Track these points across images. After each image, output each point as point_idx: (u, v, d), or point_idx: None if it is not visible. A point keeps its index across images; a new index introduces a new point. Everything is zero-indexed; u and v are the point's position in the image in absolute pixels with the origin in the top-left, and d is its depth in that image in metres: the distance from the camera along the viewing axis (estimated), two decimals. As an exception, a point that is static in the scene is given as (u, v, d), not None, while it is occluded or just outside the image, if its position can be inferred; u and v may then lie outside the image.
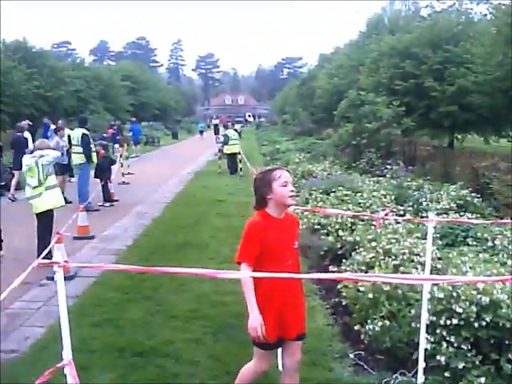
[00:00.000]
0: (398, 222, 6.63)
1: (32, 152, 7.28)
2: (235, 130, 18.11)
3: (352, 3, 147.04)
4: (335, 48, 45.66)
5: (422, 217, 7.78)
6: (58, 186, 6.89)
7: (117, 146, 21.07)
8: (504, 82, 15.95)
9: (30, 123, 14.40)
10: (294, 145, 23.55)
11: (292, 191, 3.03)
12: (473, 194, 8.68)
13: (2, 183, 12.74)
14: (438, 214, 7.62)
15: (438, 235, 6.51)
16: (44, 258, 6.05)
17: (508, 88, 15.96)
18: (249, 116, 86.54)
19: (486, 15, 30.57)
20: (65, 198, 11.19)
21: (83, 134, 11.08)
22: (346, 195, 8.77)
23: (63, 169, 11.31)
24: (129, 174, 15.71)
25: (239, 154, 16.88)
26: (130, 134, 25.25)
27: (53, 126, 14.35)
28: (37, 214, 6.76)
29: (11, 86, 26.88)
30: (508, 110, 17.29)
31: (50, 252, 6.18)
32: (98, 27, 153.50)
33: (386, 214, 5.44)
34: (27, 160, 6.82)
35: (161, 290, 5.74)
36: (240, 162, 16.72)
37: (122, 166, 15.24)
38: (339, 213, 6.90)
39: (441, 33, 21.25)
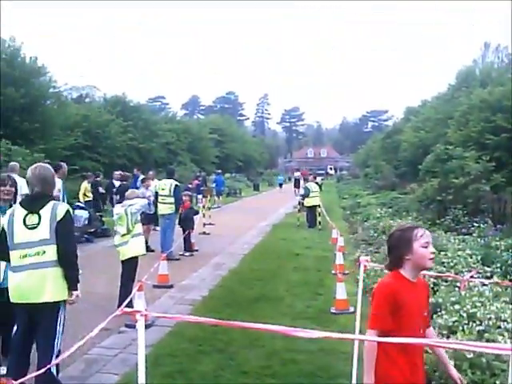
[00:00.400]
0: (485, 285, 6.22)
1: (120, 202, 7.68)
2: (316, 183, 18.12)
3: (440, 56, 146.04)
4: (422, 101, 45.09)
5: (510, 280, 7.28)
6: (142, 233, 7.18)
7: (200, 196, 21.74)
8: None
9: (120, 172, 15.26)
10: (376, 199, 23.10)
11: (433, 253, 2.81)
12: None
13: (92, 230, 13.49)
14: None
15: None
16: (126, 305, 6.29)
17: None
18: (330, 169, 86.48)
19: None
20: (148, 247, 11.67)
21: (176, 185, 11.46)
22: (429, 254, 8.42)
23: (149, 218, 11.78)
24: (210, 224, 16.07)
25: (319, 207, 16.81)
26: (214, 185, 26.01)
27: (142, 177, 15.10)
28: (122, 261, 7.05)
29: (108, 138, 28.87)
30: None
31: (130, 300, 6.40)
32: (191, 83, 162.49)
33: (472, 276, 5.15)
34: (117, 209, 7.21)
35: (233, 343, 5.71)
36: (319, 215, 16.63)
37: (203, 216, 15.64)
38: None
39: (536, 84, 20.40)
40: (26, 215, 3.85)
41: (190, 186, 21.59)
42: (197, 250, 12.08)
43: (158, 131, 36.71)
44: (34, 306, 3.80)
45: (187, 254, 11.58)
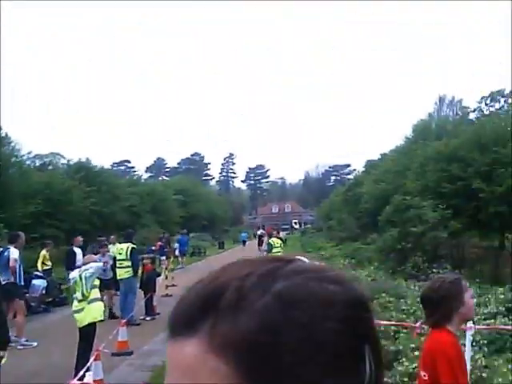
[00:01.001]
0: None
1: (79, 267, 7.53)
2: (279, 238, 18.16)
3: (398, 110, 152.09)
4: (381, 154, 46.60)
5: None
6: (100, 299, 7.00)
7: (164, 258, 21.45)
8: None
9: (81, 239, 14.98)
10: (339, 250, 23.35)
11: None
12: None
13: (50, 299, 13.07)
14: (484, 319, 7.23)
15: (485, 342, 6.12)
16: (82, 375, 6.06)
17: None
18: (295, 223, 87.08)
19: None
20: (113, 313, 11.35)
21: (132, 248, 11.35)
22: (390, 302, 8.50)
23: (108, 284, 11.54)
24: (172, 285, 15.81)
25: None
26: (177, 245, 25.76)
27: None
28: (79, 329, 6.83)
29: (70, 204, 28.47)
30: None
31: (88, 369, 6.17)
32: (156, 146, 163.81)
33: (422, 323, 5.20)
34: (73, 274, 7.08)
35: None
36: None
37: (166, 278, 15.40)
38: (379, 323, 6.64)
39: (489, 135, 21.45)
40: None
41: (153, 248, 21.32)
42: (159, 314, 11.78)
43: (121, 195, 36.52)
44: None
45: (149, 318, 11.31)
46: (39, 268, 13.73)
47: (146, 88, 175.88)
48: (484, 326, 5.84)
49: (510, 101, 54.01)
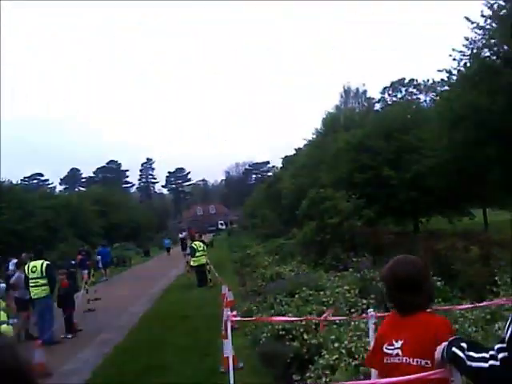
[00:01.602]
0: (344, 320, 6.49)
1: None
2: (202, 241, 18.06)
3: (310, 103, 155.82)
4: (296, 149, 47.53)
5: (386, 309, 7.66)
6: (6, 322, 6.57)
7: (85, 271, 20.70)
8: (454, 163, 16.67)
9: None
10: (263, 248, 23.54)
11: None
12: (434, 278, 8.64)
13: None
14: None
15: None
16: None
17: (459, 169, 16.65)
18: (221, 224, 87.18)
19: (433, 102, 32.70)
20: (31, 335, 10.74)
21: (47, 264, 10.74)
22: (310, 295, 8.66)
23: (26, 304, 10.94)
24: (95, 299, 15.24)
25: (207, 264, 16.74)
26: (99, 257, 24.91)
27: (14, 260, 14.12)
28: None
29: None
30: (464, 189, 17.90)
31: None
32: (69, 156, 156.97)
33: (325, 317, 5.36)
34: None
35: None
36: (209, 272, 16.53)
37: (87, 292, 14.84)
38: (281, 319, 6.74)
39: (392, 124, 22.52)
40: None
41: (73, 262, 20.51)
42: (81, 330, 11.32)
43: (34, 209, 34.84)
44: None
45: (70, 335, 10.82)
46: None
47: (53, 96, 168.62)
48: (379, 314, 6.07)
49: (410, 89, 57.35)
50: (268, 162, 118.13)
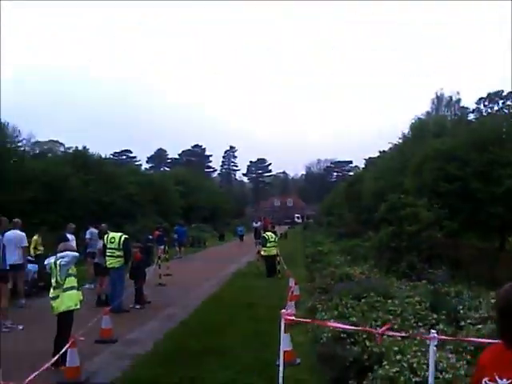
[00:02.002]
0: (405, 337, 6.18)
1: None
2: (274, 232, 18.09)
3: (398, 108, 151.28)
4: (380, 152, 46.38)
5: (458, 327, 7.27)
6: (76, 288, 6.87)
7: (161, 247, 21.40)
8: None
9: (74, 226, 14.88)
10: (337, 246, 23.25)
11: None
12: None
13: (42, 283, 13.01)
14: (474, 324, 7.10)
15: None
16: (56, 361, 5.99)
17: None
18: (297, 217, 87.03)
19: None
20: (102, 301, 11.27)
21: (125, 238, 11.23)
22: (378, 301, 8.39)
23: (104, 270, 11.45)
24: (167, 275, 15.76)
25: (277, 255, 16.75)
26: (175, 235, 25.73)
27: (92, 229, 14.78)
28: (57, 316, 6.76)
29: (68, 191, 28.44)
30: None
31: (64, 356, 6.12)
32: (157, 136, 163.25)
33: (383, 331, 5.13)
34: (49, 260, 6.97)
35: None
36: (278, 263, 16.55)
37: (159, 267, 15.35)
38: (337, 326, 6.54)
39: (487, 135, 21.29)
40: None
41: (150, 237, 21.28)
42: (149, 302, 11.75)
43: (120, 184, 36.47)
44: None
45: (138, 306, 11.26)
46: (31, 253, 13.68)
47: (148, 79, 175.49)
48: (441, 336, 5.69)
49: (508, 102, 53.95)
50: (351, 162, 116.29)
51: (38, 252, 14.18)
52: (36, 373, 4.78)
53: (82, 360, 6.28)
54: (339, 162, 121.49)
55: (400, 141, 36.11)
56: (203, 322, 9.64)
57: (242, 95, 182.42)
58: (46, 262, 7.05)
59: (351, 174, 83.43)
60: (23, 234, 11.23)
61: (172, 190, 47.80)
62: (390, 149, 38.47)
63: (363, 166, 56.19)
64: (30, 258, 13.45)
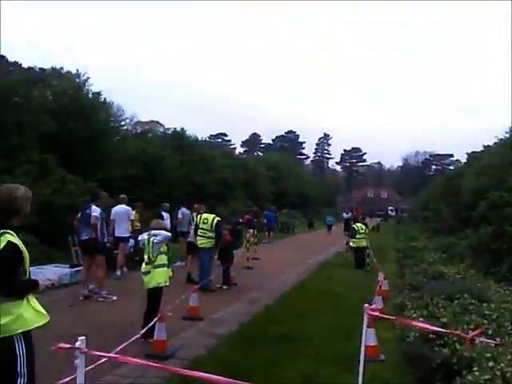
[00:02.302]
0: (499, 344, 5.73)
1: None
2: (364, 224, 17.67)
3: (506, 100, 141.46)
4: (485, 146, 43.63)
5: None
6: (166, 265, 7.10)
7: (251, 230, 21.70)
8: None
9: (168, 204, 15.45)
10: (431, 243, 22.31)
11: None
12: None
13: (137, 257, 13.66)
14: None
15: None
16: (145, 334, 6.26)
17: None
18: (391, 210, 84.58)
19: None
20: (191, 279, 11.63)
21: (218, 220, 11.40)
22: (472, 304, 7.91)
23: (195, 249, 11.79)
24: (255, 258, 15.96)
25: (367, 248, 16.36)
26: (265, 220, 26.00)
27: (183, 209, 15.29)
28: (147, 290, 7.06)
29: (164, 171, 29.66)
30: None
31: (152, 330, 6.38)
32: (252, 121, 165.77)
33: (472, 336, 4.77)
34: (142, 236, 7.27)
35: None
36: (368, 256, 16.17)
37: (248, 250, 15.57)
38: (423, 326, 6.18)
39: None
40: None
41: (240, 220, 21.62)
42: (236, 284, 11.97)
43: (213, 166, 37.40)
44: None
45: (225, 287, 11.51)
46: (129, 228, 14.38)
47: (251, 65, 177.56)
48: None
49: None
50: (451, 155, 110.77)
51: (135, 228, 14.91)
52: (124, 344, 5.00)
53: (169, 335, 6.50)
54: (438, 154, 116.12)
55: (507, 135, 33.72)
56: (287, 308, 9.65)
57: (338, 82, 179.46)
58: (139, 238, 7.37)
59: (451, 168, 79.50)
60: (129, 208, 12.09)
61: (263, 174, 48.30)
62: (496, 143, 36.10)
63: (465, 160, 53.30)
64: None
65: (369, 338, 6.65)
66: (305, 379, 5.73)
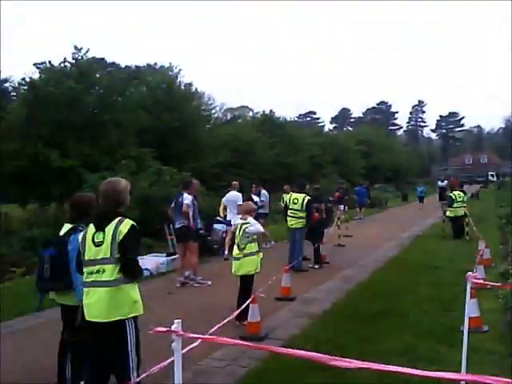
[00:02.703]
0: None
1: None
2: (462, 191, 16.76)
3: None
4: None
5: None
6: (255, 253, 7.13)
7: (341, 207, 21.42)
8: None
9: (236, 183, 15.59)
10: (538, 208, 20.66)
11: None
12: None
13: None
14: None
15: None
16: (239, 317, 6.42)
17: None
18: (491, 175, 79.34)
19: None
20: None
21: (308, 199, 11.25)
22: None
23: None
24: (347, 236, 15.74)
25: (466, 216, 15.54)
26: (356, 196, 25.51)
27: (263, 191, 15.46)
28: (240, 276, 7.17)
29: (254, 155, 30.01)
30: None
31: (246, 312, 6.52)
32: (341, 96, 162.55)
33: None
34: (236, 220, 7.37)
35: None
36: (467, 225, 15.37)
37: (339, 228, 15.38)
38: None
39: None
40: (95, 233, 3.87)
41: (331, 198, 21.38)
42: (328, 263, 11.89)
43: (303, 145, 37.21)
44: (98, 324, 3.76)
45: (316, 266, 11.46)
46: (220, 214, 14.74)
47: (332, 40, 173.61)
48: None
49: None
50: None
51: (226, 213, 15.27)
52: (218, 325, 5.14)
53: (262, 316, 6.59)
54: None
55: None
56: (381, 284, 9.43)
57: (427, 44, 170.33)
58: (232, 222, 7.43)
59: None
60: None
61: (354, 149, 47.32)
62: None
63: None
64: (218, 218, 14.57)
65: (471, 308, 6.35)
66: (402, 354, 5.58)
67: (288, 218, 11.46)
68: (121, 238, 3.75)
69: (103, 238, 3.80)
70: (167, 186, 16.11)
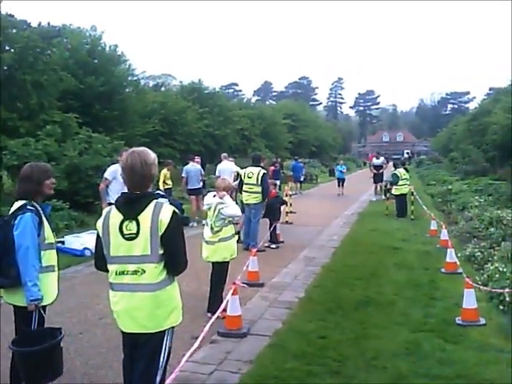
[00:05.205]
0: None
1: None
2: (405, 169, 16.74)
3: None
4: (513, 80, 41.83)
5: None
6: (230, 238, 6.23)
7: (278, 182, 20.84)
8: None
9: (196, 158, 14.64)
10: (468, 185, 21.35)
11: None
12: None
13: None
14: None
15: None
16: (214, 309, 5.55)
17: None
18: (407, 153, 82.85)
19: None
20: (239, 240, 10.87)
21: (264, 173, 10.55)
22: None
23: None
24: (291, 212, 15.19)
25: (412, 194, 15.50)
26: (291, 172, 25.13)
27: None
28: (212, 263, 6.26)
29: (184, 125, 28.61)
30: None
31: (218, 302, 5.70)
32: (263, 69, 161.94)
33: None
34: (209, 199, 6.36)
35: (347, 363, 4.76)
36: (412, 203, 15.32)
37: (286, 205, 14.77)
38: None
39: None
40: (123, 221, 2.95)
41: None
42: (282, 242, 11.23)
43: (232, 117, 36.21)
44: (132, 336, 3.02)
45: (273, 245, 10.75)
46: (160, 187, 13.66)
47: (254, 12, 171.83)
48: None
49: None
50: (468, 93, 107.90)
51: (167, 186, 14.18)
52: (208, 325, 4.31)
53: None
54: (455, 92, 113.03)
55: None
56: (347, 266, 8.88)
57: (348, 21, 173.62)
58: (205, 202, 6.40)
59: (469, 106, 77.35)
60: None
61: (281, 123, 46.96)
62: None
63: (484, 96, 51.46)
64: (159, 192, 13.41)
65: (468, 299, 5.89)
66: (408, 353, 4.99)
67: (243, 194, 10.64)
68: (163, 229, 2.90)
69: (137, 229, 2.91)
70: (98, 155, 14.63)
